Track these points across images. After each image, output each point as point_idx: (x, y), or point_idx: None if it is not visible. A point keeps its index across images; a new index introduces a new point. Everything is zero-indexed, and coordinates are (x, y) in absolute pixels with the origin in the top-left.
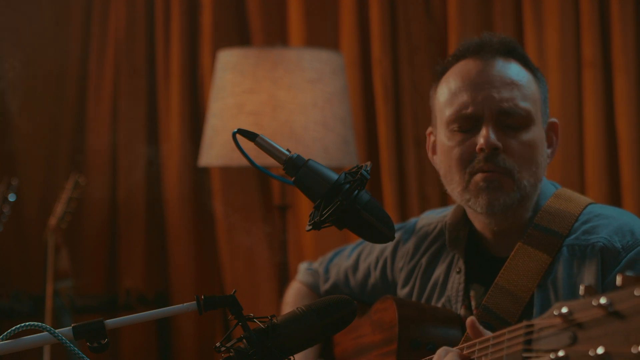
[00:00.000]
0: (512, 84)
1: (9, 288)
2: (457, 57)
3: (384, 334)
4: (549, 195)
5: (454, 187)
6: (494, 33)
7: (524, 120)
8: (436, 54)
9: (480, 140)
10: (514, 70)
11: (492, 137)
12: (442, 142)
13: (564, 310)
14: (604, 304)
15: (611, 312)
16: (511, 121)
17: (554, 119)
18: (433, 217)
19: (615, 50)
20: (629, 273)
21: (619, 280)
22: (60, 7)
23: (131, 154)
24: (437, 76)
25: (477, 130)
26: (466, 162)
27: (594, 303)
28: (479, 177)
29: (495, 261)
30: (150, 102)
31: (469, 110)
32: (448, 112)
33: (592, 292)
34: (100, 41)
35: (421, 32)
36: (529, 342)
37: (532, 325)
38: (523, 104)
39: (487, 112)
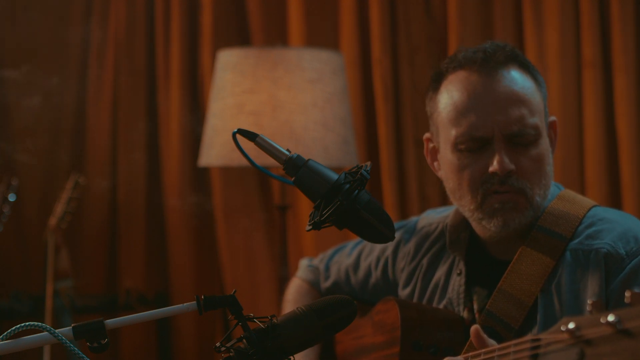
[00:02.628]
0: (518, 101)
1: (9, 288)
2: (457, 66)
3: (386, 336)
4: (553, 196)
5: (464, 204)
6: (493, 42)
7: (534, 137)
8: (436, 54)
9: (494, 164)
10: (519, 82)
11: (506, 160)
12: (448, 159)
13: (572, 325)
14: (613, 321)
15: (620, 330)
16: (521, 140)
17: (552, 118)
18: (434, 217)
19: (615, 50)
20: (637, 289)
21: (627, 297)
22: (61, 7)
23: (131, 153)
24: (434, 82)
25: (486, 150)
26: (478, 183)
27: (602, 320)
28: (493, 199)
29: (497, 264)
30: (150, 102)
31: (478, 133)
32: (455, 131)
33: (599, 307)
34: (100, 41)
35: (421, 32)
36: (535, 356)
37: (538, 340)
38: (531, 121)
39: (497, 134)
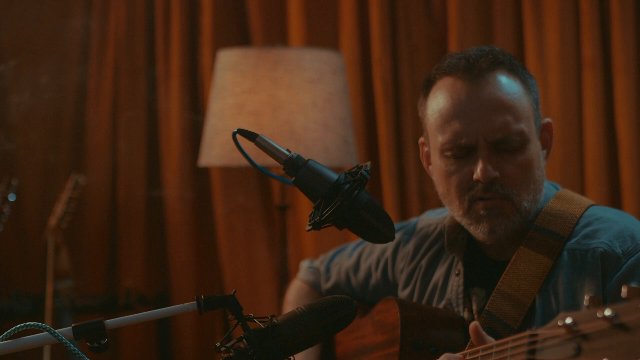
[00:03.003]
0: (502, 107)
1: (9, 288)
2: (443, 72)
3: (386, 335)
4: (549, 196)
5: (453, 209)
6: (479, 48)
7: (519, 143)
8: (436, 54)
9: (477, 171)
10: (503, 88)
11: (489, 168)
12: (437, 164)
13: (569, 320)
14: (609, 315)
15: (616, 324)
16: (506, 147)
17: (547, 120)
18: (432, 219)
19: (615, 50)
20: (633, 284)
21: (624, 291)
22: (60, 6)
23: (131, 153)
24: (424, 87)
25: (472, 157)
26: (464, 189)
27: (598, 315)
28: (479, 205)
29: (495, 264)
30: (150, 102)
31: (463, 141)
32: (441, 138)
33: (596, 302)
34: (100, 41)
35: (421, 32)
36: (532, 351)
37: (536, 335)
38: (517, 127)
39: (481, 142)
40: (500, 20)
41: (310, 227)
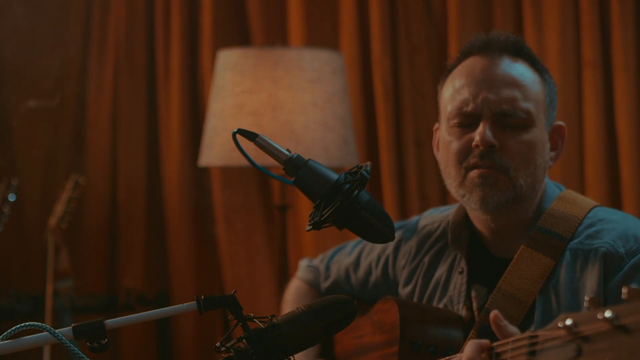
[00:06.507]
0: (514, 84)
1: (9, 288)
2: (465, 55)
3: (385, 336)
4: (553, 197)
5: (451, 182)
6: (502, 31)
7: (524, 121)
8: (436, 54)
9: (476, 137)
10: (519, 70)
11: (488, 134)
12: (442, 136)
13: (569, 322)
14: (610, 317)
15: (617, 326)
16: (510, 122)
17: (560, 123)
18: (436, 216)
19: (615, 50)
20: (634, 285)
21: (624, 293)
22: (61, 7)
23: (131, 153)
24: (445, 73)
25: (476, 126)
26: (463, 157)
27: (599, 316)
28: (474, 173)
29: (497, 262)
30: (150, 102)
31: (469, 108)
32: (449, 107)
33: (596, 304)
34: (100, 41)
35: (421, 32)
36: (533, 353)
37: (536, 337)
38: (524, 105)
39: (486, 110)
40: (500, 20)
41: (310, 227)
